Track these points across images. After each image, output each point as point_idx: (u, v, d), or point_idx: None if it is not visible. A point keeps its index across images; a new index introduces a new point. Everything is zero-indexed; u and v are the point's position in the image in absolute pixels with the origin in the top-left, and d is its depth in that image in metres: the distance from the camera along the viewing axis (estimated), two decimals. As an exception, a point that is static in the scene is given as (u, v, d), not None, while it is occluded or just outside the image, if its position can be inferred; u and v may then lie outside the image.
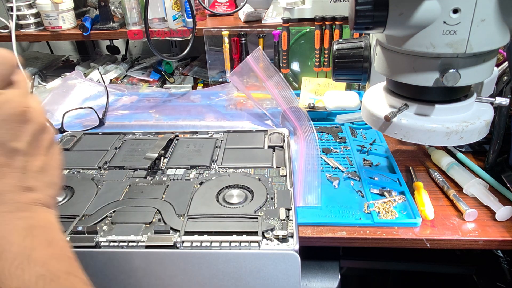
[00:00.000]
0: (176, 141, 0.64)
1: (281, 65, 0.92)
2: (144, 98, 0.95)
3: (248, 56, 0.78)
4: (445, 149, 0.67)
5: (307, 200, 0.56)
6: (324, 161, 0.66)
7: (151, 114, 0.86)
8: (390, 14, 0.40)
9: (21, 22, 1.01)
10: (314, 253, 0.61)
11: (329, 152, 0.69)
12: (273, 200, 0.50)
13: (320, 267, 0.60)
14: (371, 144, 0.71)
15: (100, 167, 0.58)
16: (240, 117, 0.83)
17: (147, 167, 0.57)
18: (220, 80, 1.00)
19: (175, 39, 0.97)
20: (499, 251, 0.67)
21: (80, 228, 0.44)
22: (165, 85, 1.04)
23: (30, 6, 1.00)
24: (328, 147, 0.70)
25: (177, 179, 0.54)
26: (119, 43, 1.31)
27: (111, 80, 1.05)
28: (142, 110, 0.88)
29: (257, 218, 0.46)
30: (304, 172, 0.62)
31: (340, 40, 0.59)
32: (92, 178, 0.55)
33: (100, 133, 0.69)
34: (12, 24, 0.97)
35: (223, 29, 0.91)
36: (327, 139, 0.74)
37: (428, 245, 0.51)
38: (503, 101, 0.47)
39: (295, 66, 0.97)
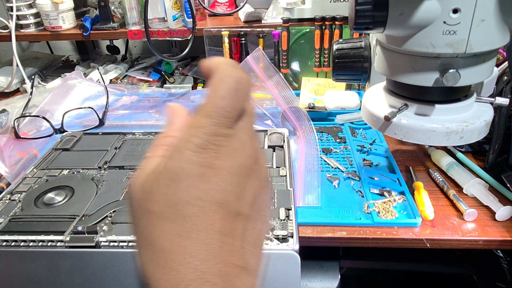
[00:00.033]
0: (176, 141, 0.64)
1: (281, 65, 0.92)
2: (144, 98, 0.95)
3: (248, 56, 0.78)
4: (445, 149, 0.67)
5: (307, 200, 0.56)
6: (324, 161, 0.66)
7: (151, 114, 0.86)
8: (390, 14, 0.40)
9: (21, 22, 1.01)
10: (314, 253, 0.61)
11: (329, 152, 0.69)
12: (273, 200, 0.50)
13: (320, 267, 0.60)
14: (371, 144, 0.71)
15: (100, 167, 0.58)
16: (240, 117, 0.83)
17: (147, 167, 0.57)
18: (220, 80, 0.99)
19: (175, 39, 0.97)
20: (499, 251, 0.67)
21: (80, 228, 0.44)
22: (165, 85, 1.04)
23: (30, 6, 1.00)
24: (328, 147, 0.70)
25: (177, 179, 0.54)
26: (119, 43, 1.31)
27: (111, 80, 1.05)
28: (142, 110, 0.88)
29: (257, 218, 0.46)
30: (304, 172, 0.62)
31: (340, 40, 0.59)
32: (92, 178, 0.55)
33: (100, 133, 0.69)
34: (12, 24, 0.97)
35: (223, 29, 0.91)
36: (327, 139, 0.74)
37: (428, 245, 0.51)
38: (503, 101, 0.47)
39: (295, 66, 0.97)
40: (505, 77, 0.59)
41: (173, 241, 0.21)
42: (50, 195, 0.52)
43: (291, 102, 0.76)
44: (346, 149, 0.70)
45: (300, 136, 0.72)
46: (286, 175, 0.55)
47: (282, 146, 0.62)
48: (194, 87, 1.02)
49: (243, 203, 0.23)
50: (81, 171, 0.58)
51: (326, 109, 0.81)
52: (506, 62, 0.61)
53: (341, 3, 0.87)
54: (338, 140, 0.72)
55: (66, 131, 0.76)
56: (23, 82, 1.02)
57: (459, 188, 0.59)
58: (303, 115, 0.74)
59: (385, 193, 0.57)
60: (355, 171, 0.63)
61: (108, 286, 0.43)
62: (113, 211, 0.48)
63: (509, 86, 0.58)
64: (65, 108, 0.84)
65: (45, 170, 0.57)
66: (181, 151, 0.22)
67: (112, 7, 1.03)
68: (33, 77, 1.00)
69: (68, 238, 0.43)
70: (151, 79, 1.06)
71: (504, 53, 0.63)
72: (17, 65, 0.97)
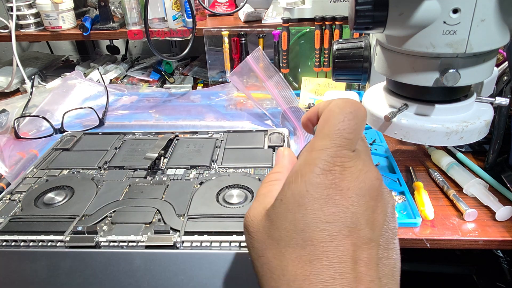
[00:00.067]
0: (176, 141, 0.64)
1: (281, 65, 0.92)
2: (144, 98, 0.95)
3: (248, 56, 0.78)
4: (445, 149, 0.67)
5: (307, 200, 0.56)
6: (324, 161, 0.66)
7: (151, 114, 0.86)
8: (390, 14, 0.40)
9: (21, 22, 1.01)
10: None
11: (329, 152, 0.69)
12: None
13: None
14: (371, 144, 0.71)
15: (100, 167, 0.58)
16: (240, 117, 0.83)
17: (147, 167, 0.57)
18: (220, 80, 1.00)
19: (175, 39, 0.97)
20: (499, 251, 0.67)
21: (80, 228, 0.44)
22: (165, 85, 1.04)
23: (30, 6, 1.00)
24: (328, 147, 0.70)
25: (177, 179, 0.54)
26: (119, 43, 1.31)
27: (111, 80, 1.05)
28: (142, 110, 0.88)
29: (257, 218, 0.46)
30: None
31: (340, 40, 0.59)
32: (92, 178, 0.55)
33: (100, 133, 0.69)
34: (12, 24, 0.97)
35: (223, 29, 0.91)
36: (327, 139, 0.74)
37: (428, 245, 0.51)
38: (503, 101, 0.47)
39: (295, 66, 0.97)
40: (505, 77, 0.59)
41: (305, 269, 0.20)
42: (50, 195, 0.51)
43: (291, 102, 0.76)
44: (346, 149, 0.70)
45: (300, 136, 0.72)
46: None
47: (282, 146, 0.62)
48: (194, 87, 1.02)
49: (374, 229, 0.22)
50: (81, 171, 0.57)
51: (326, 109, 0.81)
52: (506, 62, 0.61)
53: (341, 3, 0.87)
54: (338, 140, 0.72)
55: (66, 131, 0.76)
56: (23, 82, 1.02)
57: (459, 188, 0.59)
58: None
59: (385, 193, 0.57)
60: (355, 171, 0.63)
61: (108, 286, 0.43)
62: (113, 211, 0.48)
63: (509, 86, 0.58)
64: (65, 108, 0.84)
65: (45, 170, 0.57)
66: (305, 175, 0.22)
67: (112, 7, 1.03)
68: (33, 77, 1.00)
69: (68, 238, 0.43)
70: (151, 79, 1.06)
71: (504, 53, 0.63)
72: (17, 65, 0.97)
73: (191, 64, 1.14)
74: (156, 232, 0.44)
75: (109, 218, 0.47)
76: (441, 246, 0.52)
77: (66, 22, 1.00)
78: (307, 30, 0.91)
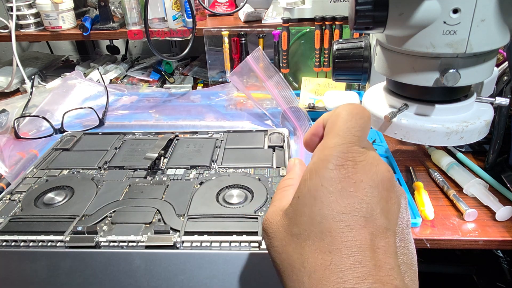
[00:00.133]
0: (176, 141, 0.64)
1: (281, 65, 0.92)
2: (144, 98, 0.95)
3: (248, 56, 0.78)
4: (445, 149, 0.67)
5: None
6: (324, 161, 0.66)
7: (151, 114, 0.86)
8: (390, 14, 0.40)
9: (21, 22, 1.01)
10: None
11: (329, 152, 0.69)
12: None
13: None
14: (371, 144, 0.71)
15: (100, 167, 0.58)
16: (240, 117, 0.83)
17: (147, 167, 0.57)
18: (220, 80, 1.00)
19: (175, 39, 0.97)
20: (499, 251, 0.67)
21: (80, 228, 0.44)
22: (165, 85, 1.04)
23: (30, 6, 1.00)
24: (328, 147, 0.70)
25: (177, 179, 0.54)
26: (119, 43, 1.31)
27: (111, 80, 1.05)
28: (142, 110, 0.88)
29: (257, 218, 0.46)
30: (304, 172, 0.62)
31: (340, 40, 0.59)
32: (92, 178, 0.55)
33: (100, 133, 0.69)
34: (12, 24, 0.97)
35: (223, 29, 0.91)
36: (327, 139, 0.74)
37: (428, 245, 0.51)
38: (503, 101, 0.47)
39: (295, 66, 0.97)
40: (505, 77, 0.59)
41: (325, 259, 0.21)
42: (50, 195, 0.52)
43: (291, 102, 0.76)
44: (346, 149, 0.70)
45: (300, 136, 0.72)
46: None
47: (282, 146, 0.62)
48: (194, 87, 1.02)
49: (390, 218, 0.22)
50: (81, 171, 0.57)
51: (326, 109, 0.81)
52: (506, 62, 0.61)
53: (341, 3, 0.87)
54: (338, 140, 0.72)
55: (66, 131, 0.76)
56: (23, 82, 1.02)
57: (459, 188, 0.59)
58: (303, 115, 0.74)
59: (385, 193, 0.57)
60: (355, 171, 0.63)
61: (108, 286, 0.43)
62: (113, 211, 0.48)
63: (509, 86, 0.58)
64: (65, 108, 0.84)
65: (45, 170, 0.57)
66: (319, 171, 0.23)
67: (112, 7, 1.03)
68: (33, 77, 1.00)
69: (68, 238, 0.43)
70: (151, 79, 1.06)
71: (504, 53, 0.63)
72: (17, 65, 0.97)
73: (191, 64, 1.14)
74: (156, 232, 0.44)
75: (109, 218, 0.47)
76: (441, 246, 0.52)
77: (66, 22, 1.00)
78: (307, 30, 0.91)
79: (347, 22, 0.68)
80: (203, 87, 1.01)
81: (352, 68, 0.58)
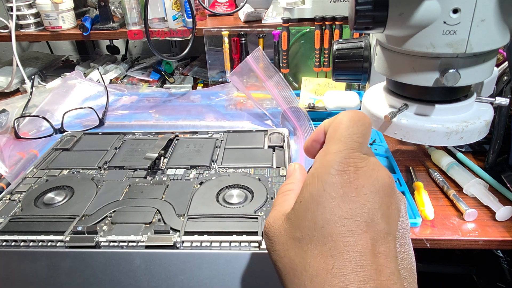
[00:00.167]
0: (176, 141, 0.64)
1: (281, 65, 0.92)
2: (144, 98, 0.95)
3: (248, 56, 0.78)
4: (445, 149, 0.67)
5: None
6: (324, 161, 0.66)
7: (151, 114, 0.86)
8: (390, 14, 0.40)
9: (21, 22, 1.01)
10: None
11: (329, 152, 0.69)
12: (273, 200, 0.50)
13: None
14: (371, 144, 0.71)
15: (100, 167, 0.58)
16: (240, 117, 0.83)
17: (147, 167, 0.57)
18: (220, 80, 1.00)
19: (175, 39, 0.97)
20: (499, 251, 0.67)
21: (80, 228, 0.44)
22: (165, 85, 1.04)
23: (30, 6, 1.00)
24: (328, 147, 0.70)
25: (177, 179, 0.54)
26: (119, 43, 1.31)
27: (111, 80, 1.05)
28: (142, 110, 0.88)
29: (257, 218, 0.46)
30: (304, 172, 0.62)
31: (340, 40, 0.59)
32: (92, 178, 0.55)
33: (100, 133, 0.69)
34: (12, 24, 0.97)
35: (223, 29, 0.91)
36: (327, 139, 0.74)
37: (428, 245, 0.51)
38: (503, 101, 0.47)
39: (295, 66, 0.97)
40: (505, 77, 0.59)
41: (327, 263, 0.21)
42: (50, 195, 0.52)
43: (291, 102, 0.76)
44: (346, 149, 0.70)
45: (300, 136, 0.72)
46: (286, 175, 0.55)
47: (282, 146, 0.62)
48: (194, 87, 1.02)
49: (391, 223, 0.23)
50: (81, 171, 0.57)
51: (326, 109, 0.81)
52: (506, 62, 0.61)
53: (341, 3, 0.87)
54: (338, 140, 0.72)
55: (66, 131, 0.76)
56: (23, 82, 1.02)
57: (459, 188, 0.59)
58: (303, 115, 0.74)
59: (385, 193, 0.57)
60: (355, 171, 0.63)
61: (108, 286, 0.43)
62: (113, 211, 0.48)
63: (509, 86, 0.58)
64: (65, 108, 0.84)
65: (45, 170, 0.57)
66: (321, 176, 0.23)
67: (112, 7, 1.03)
68: (33, 77, 1.00)
69: (68, 238, 0.43)
70: (151, 79, 1.06)
71: (504, 53, 0.63)
72: (17, 65, 0.97)
73: (191, 64, 1.14)
74: (156, 232, 0.44)
75: (109, 218, 0.47)
76: (441, 246, 0.52)
77: (66, 22, 1.00)
78: (307, 30, 0.91)
79: (347, 22, 0.68)
80: (203, 87, 1.01)
81: (352, 68, 0.58)
